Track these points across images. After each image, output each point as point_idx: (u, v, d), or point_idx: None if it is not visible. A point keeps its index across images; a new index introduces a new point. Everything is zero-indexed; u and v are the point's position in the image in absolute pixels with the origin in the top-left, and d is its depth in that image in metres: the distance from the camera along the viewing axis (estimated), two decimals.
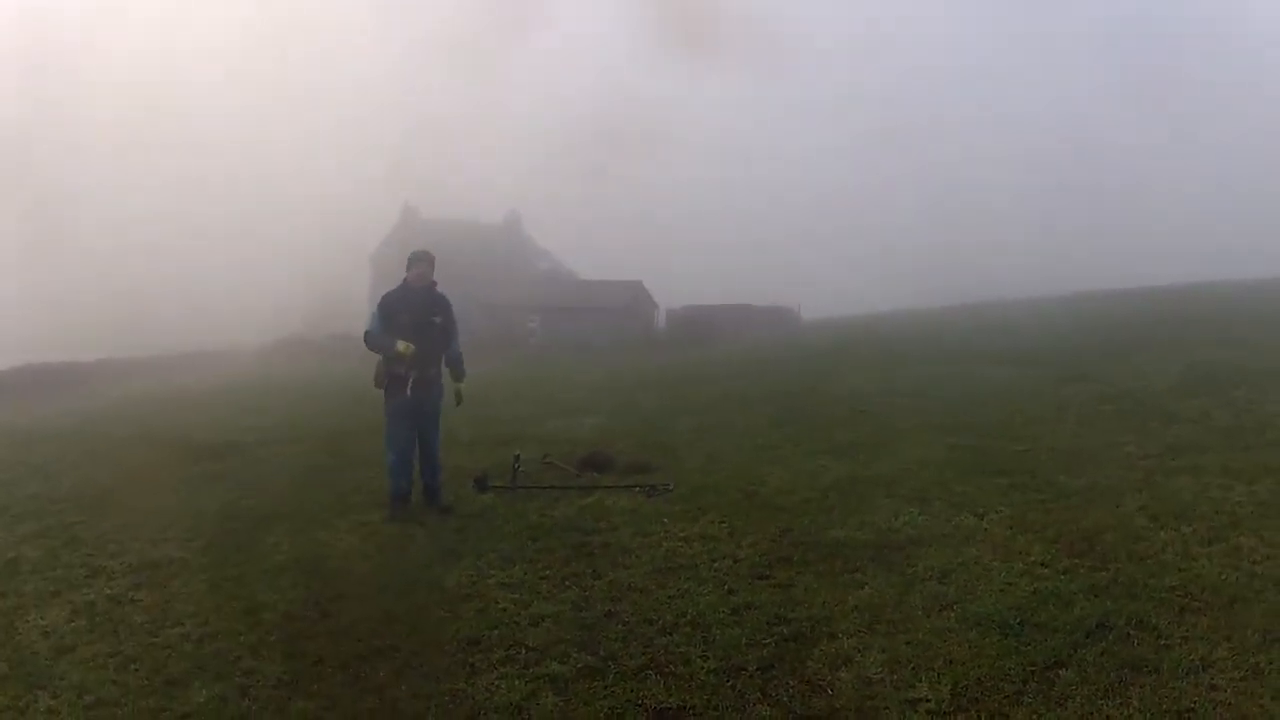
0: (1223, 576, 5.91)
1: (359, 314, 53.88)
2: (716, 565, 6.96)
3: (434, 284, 9.42)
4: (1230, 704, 4.38)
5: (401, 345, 9.01)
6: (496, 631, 5.97)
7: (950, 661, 5.02)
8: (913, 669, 4.98)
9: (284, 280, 58.88)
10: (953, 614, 5.65)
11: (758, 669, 5.16)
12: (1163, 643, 5.02)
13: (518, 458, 10.44)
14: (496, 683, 5.25)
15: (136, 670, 5.73)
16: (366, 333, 9.28)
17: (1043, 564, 6.39)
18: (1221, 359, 16.65)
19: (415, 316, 9.17)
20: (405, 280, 9.32)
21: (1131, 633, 5.16)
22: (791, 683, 4.97)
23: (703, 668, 5.22)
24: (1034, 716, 4.42)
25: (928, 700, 4.65)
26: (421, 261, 9.33)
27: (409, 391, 9.16)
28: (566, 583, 6.82)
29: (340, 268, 59.61)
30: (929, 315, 51.04)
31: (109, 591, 7.29)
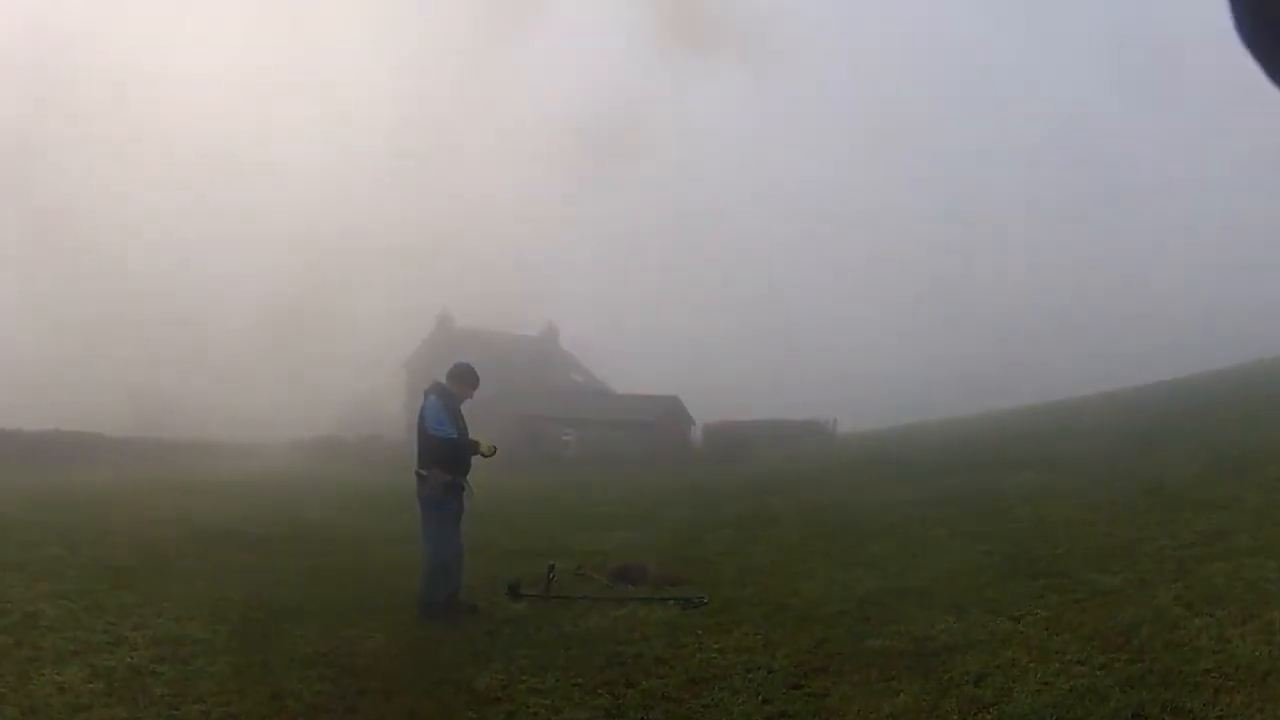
0: (1256, 653, 5.91)
1: (393, 418, 54.73)
2: (751, 676, 6.91)
3: None
4: None
5: (485, 445, 9.45)
6: None
7: None
8: None
9: (319, 381, 59.67)
10: (989, 715, 5.62)
11: None
12: None
13: (552, 567, 10.43)
14: None
15: None
16: (446, 437, 9.37)
17: (1079, 662, 6.36)
18: (1248, 440, 16.64)
19: (461, 424, 9.51)
20: (448, 389, 9.59)
21: (1166, 719, 5.14)
22: None
23: None
24: None
25: None
26: (473, 386, 9.72)
27: (465, 497, 9.45)
28: (599, 690, 6.76)
29: (374, 372, 60.51)
30: (957, 425, 50.91)
31: (130, 660, 7.27)
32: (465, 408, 9.76)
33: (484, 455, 9.48)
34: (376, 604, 9.80)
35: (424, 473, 9.33)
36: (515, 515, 18.49)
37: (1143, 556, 9.30)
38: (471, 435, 9.62)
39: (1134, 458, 18.03)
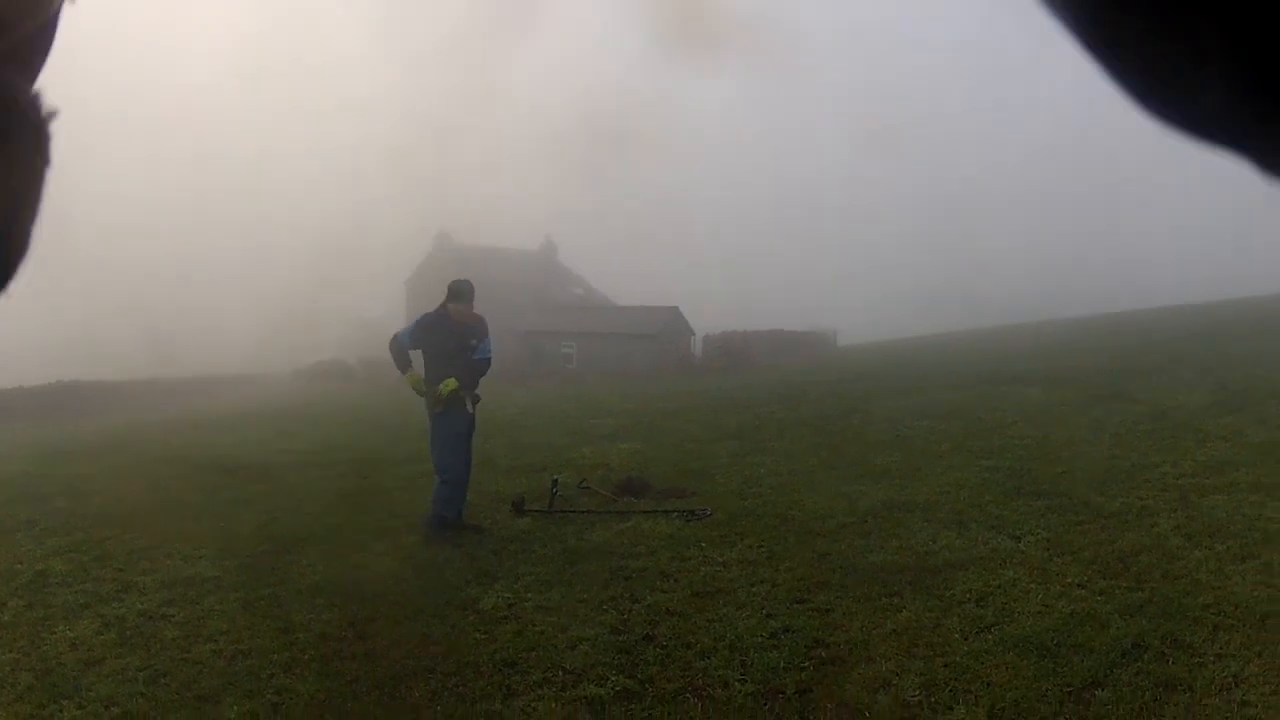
0: (1255, 594, 5.95)
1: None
2: (754, 589, 6.97)
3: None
4: (1261, 719, 4.43)
5: (410, 377, 9.22)
6: (533, 654, 5.97)
7: (988, 684, 5.05)
8: (950, 691, 5.02)
9: (318, 305, 59.27)
10: (990, 636, 5.69)
11: (796, 692, 5.18)
12: (1196, 660, 5.06)
13: (555, 482, 10.45)
14: (533, 705, 5.25)
15: (167, 684, 5.75)
16: (396, 337, 9.41)
17: (1079, 585, 6.42)
18: (1253, 375, 16.58)
19: (460, 342, 9.29)
20: (446, 311, 9.33)
21: (1166, 651, 5.20)
22: (829, 706, 5.00)
23: (741, 691, 5.25)
24: None
25: None
26: (465, 298, 9.31)
27: (470, 409, 9.35)
28: (604, 606, 6.82)
29: (374, 293, 60.05)
30: (962, 338, 50.79)
31: (140, 607, 7.31)
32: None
33: (408, 382, 9.32)
34: (383, 527, 9.84)
35: (425, 386, 9.28)
36: (518, 430, 18.47)
37: (1144, 483, 9.31)
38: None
39: (1138, 381, 17.95)
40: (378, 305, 58.26)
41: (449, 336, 9.25)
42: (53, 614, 7.24)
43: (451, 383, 9.09)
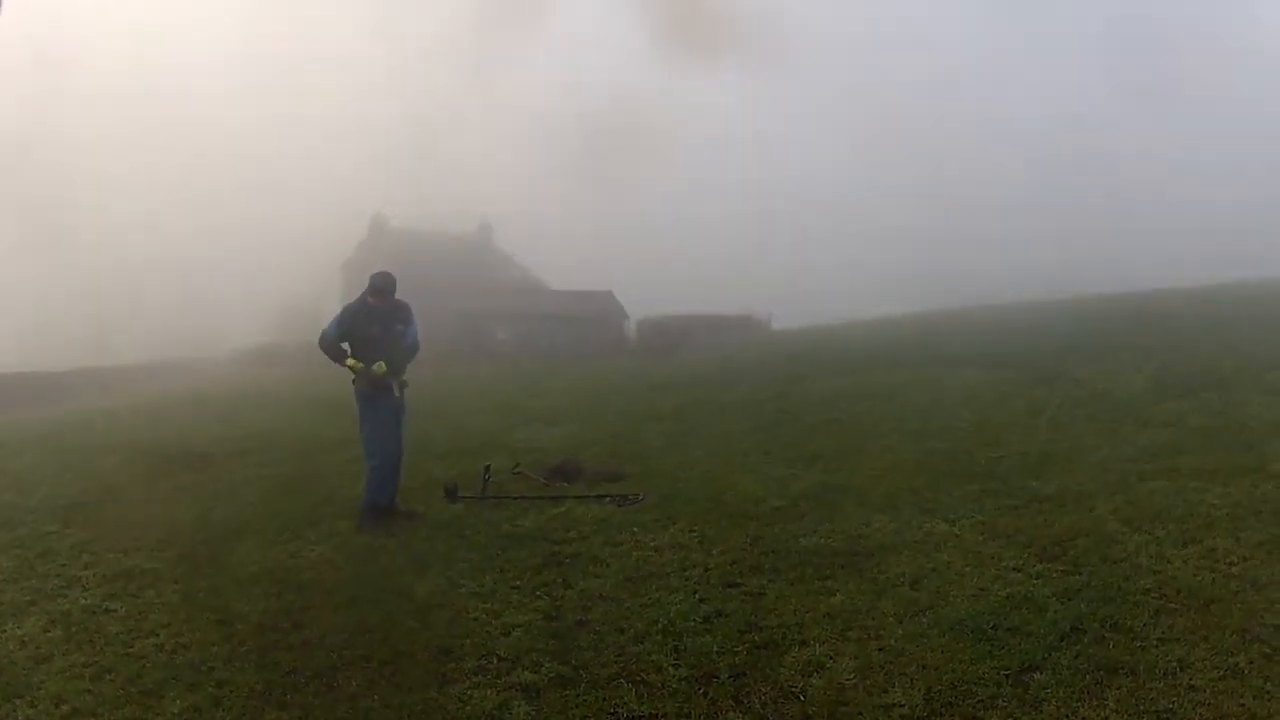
0: (1198, 578, 5.92)
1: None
2: (687, 573, 6.94)
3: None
4: (1210, 704, 4.38)
5: (350, 361, 9.13)
6: (468, 641, 5.96)
7: (924, 667, 5.01)
8: (886, 675, 4.97)
9: (255, 288, 58.50)
10: (925, 619, 5.65)
11: (730, 676, 5.14)
12: (1139, 645, 5.02)
13: (487, 468, 10.45)
14: (468, 692, 5.23)
15: (112, 680, 5.73)
16: (323, 333, 9.30)
17: (1015, 569, 6.39)
18: (1194, 361, 16.78)
19: (384, 327, 9.22)
20: (367, 299, 9.27)
21: (1106, 635, 5.15)
22: (764, 690, 4.95)
23: (674, 676, 5.20)
24: None
25: (901, 706, 4.63)
26: (383, 291, 9.24)
27: (399, 394, 9.25)
28: (537, 592, 6.81)
29: (311, 276, 59.33)
30: (901, 321, 51.14)
31: (84, 602, 7.25)
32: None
33: (350, 369, 9.21)
34: (319, 514, 9.74)
35: (355, 371, 9.21)
36: (453, 413, 18.38)
37: (1081, 467, 9.31)
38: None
39: (1080, 365, 18.05)
40: (315, 285, 57.62)
41: (372, 322, 9.21)
42: (2, 612, 7.16)
43: (382, 365, 9.08)
